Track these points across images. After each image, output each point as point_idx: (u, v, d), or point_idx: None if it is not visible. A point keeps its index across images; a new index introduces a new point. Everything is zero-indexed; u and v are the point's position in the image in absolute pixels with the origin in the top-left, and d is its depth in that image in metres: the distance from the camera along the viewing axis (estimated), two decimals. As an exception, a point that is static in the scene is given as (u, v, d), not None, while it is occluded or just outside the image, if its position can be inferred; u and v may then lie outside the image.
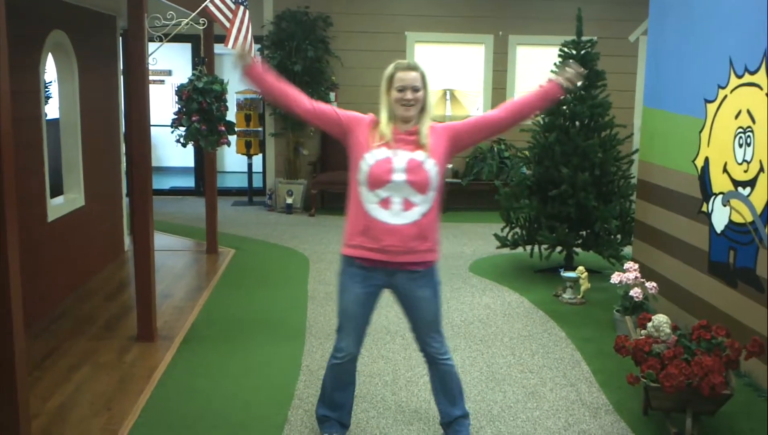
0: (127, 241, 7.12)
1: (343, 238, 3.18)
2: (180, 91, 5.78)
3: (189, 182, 10.94)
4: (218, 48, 7.05)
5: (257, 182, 10.42)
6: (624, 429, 3.65)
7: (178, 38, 5.92)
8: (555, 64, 6.45)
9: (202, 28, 6.14)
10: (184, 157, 10.85)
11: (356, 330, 3.26)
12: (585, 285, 5.70)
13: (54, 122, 5.82)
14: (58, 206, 5.50)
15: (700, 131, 4.74)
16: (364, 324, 3.27)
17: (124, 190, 7.20)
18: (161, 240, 7.31)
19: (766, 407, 3.85)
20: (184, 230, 8.14)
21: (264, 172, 10.26)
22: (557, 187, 6.23)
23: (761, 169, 4.05)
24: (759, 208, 4.07)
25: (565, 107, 6.37)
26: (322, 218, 9.03)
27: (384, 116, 3.10)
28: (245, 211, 9.53)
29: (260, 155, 10.23)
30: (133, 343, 4.66)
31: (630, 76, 9.66)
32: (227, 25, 5.81)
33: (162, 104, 11.55)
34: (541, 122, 6.53)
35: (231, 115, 6.53)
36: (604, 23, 9.41)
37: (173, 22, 5.38)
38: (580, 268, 5.76)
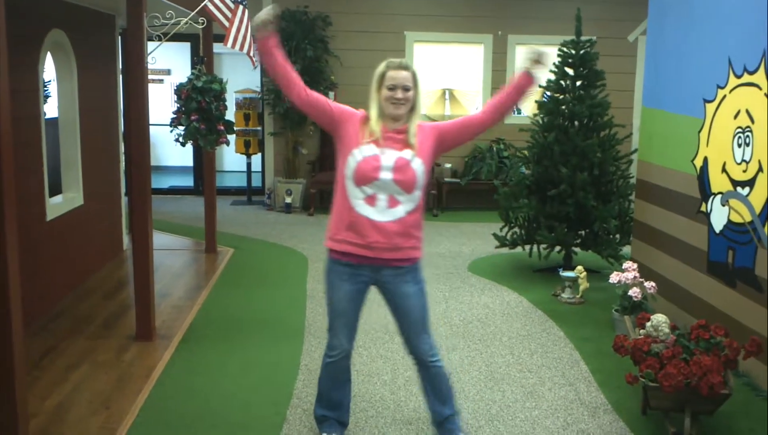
0: (126, 240, 7.12)
1: (328, 231, 3.19)
2: (179, 90, 5.77)
3: (188, 181, 10.94)
4: (217, 47, 7.05)
5: (256, 181, 10.42)
6: (623, 428, 3.66)
7: (177, 37, 5.92)
8: (554, 63, 6.47)
9: (201, 27, 6.14)
10: (183, 156, 10.85)
11: (347, 326, 3.26)
12: (584, 284, 5.70)
13: (53, 121, 5.82)
14: (56, 205, 5.49)
15: (699, 131, 4.74)
16: (355, 320, 3.28)
17: (123, 189, 7.20)
18: (160, 239, 7.31)
19: (765, 407, 3.85)
20: (182, 229, 8.14)
21: (263, 172, 10.26)
22: (556, 186, 6.23)
23: (760, 169, 4.05)
24: (758, 208, 4.07)
25: (564, 107, 6.37)
26: (321, 218, 9.02)
27: (373, 114, 3.11)
28: (244, 211, 9.53)
29: (259, 154, 10.23)
30: (131, 342, 4.66)
31: (629, 76, 9.67)
32: (226, 24, 5.80)
33: (161, 103, 11.55)
34: (540, 122, 6.53)
35: (230, 115, 6.53)
36: (603, 23, 9.41)
37: (172, 21, 5.37)
38: (579, 267, 5.76)
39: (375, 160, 3.04)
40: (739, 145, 4.27)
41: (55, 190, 5.70)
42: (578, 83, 6.43)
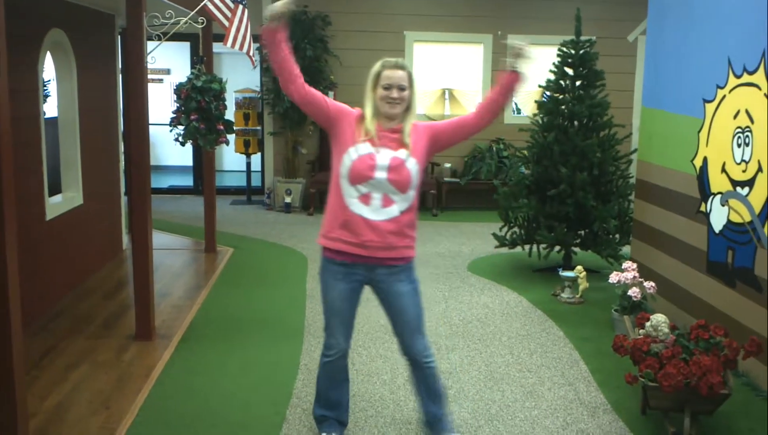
0: (126, 239, 7.12)
1: (322, 228, 3.19)
2: (179, 89, 5.77)
3: (187, 181, 10.94)
4: (217, 47, 7.05)
5: (256, 181, 10.41)
6: (622, 428, 3.66)
7: (177, 37, 5.91)
8: (554, 63, 6.48)
9: (200, 26, 6.13)
10: (183, 155, 10.86)
11: (344, 325, 3.26)
12: (583, 284, 5.70)
13: (52, 121, 5.82)
14: (56, 205, 5.49)
15: (699, 131, 4.74)
16: (351, 319, 3.28)
17: (123, 189, 7.20)
18: (160, 239, 7.31)
19: (765, 407, 3.85)
20: (182, 229, 8.14)
21: (262, 171, 10.26)
22: (556, 186, 6.23)
23: (760, 169, 4.05)
24: (757, 208, 4.07)
25: (563, 107, 6.37)
26: (321, 217, 8.98)
27: (368, 112, 3.11)
28: (244, 210, 9.53)
29: (259, 154, 10.23)
30: (131, 342, 4.66)
31: (629, 75, 9.67)
32: (226, 24, 5.80)
33: (160, 103, 11.56)
34: (540, 122, 6.53)
35: (230, 114, 6.53)
36: (602, 23, 9.42)
37: (172, 20, 5.37)
38: (579, 267, 5.76)
39: (370, 159, 3.04)
40: (739, 145, 4.27)
41: (55, 189, 5.70)
42: (578, 83, 6.43)
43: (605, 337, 4.83)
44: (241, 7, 5.87)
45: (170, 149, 9.57)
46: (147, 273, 4.65)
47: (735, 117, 4.32)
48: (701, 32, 4.76)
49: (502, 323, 5.22)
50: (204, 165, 7.19)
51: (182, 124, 5.76)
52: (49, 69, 5.90)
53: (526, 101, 10.05)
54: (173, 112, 5.84)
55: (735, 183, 4.31)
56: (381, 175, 3.03)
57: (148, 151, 4.74)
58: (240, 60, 9.90)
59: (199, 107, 5.67)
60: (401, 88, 3.08)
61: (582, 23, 6.43)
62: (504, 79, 3.18)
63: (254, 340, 4.77)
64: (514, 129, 9.22)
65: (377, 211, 3.06)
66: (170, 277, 6.23)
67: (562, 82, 6.45)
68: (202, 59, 6.25)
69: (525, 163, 6.73)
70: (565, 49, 6.43)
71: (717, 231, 4.50)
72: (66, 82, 5.81)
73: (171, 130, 5.85)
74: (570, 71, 6.44)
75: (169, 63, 12.41)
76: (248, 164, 10.20)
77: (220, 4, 5.75)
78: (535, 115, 6.68)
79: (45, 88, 6.41)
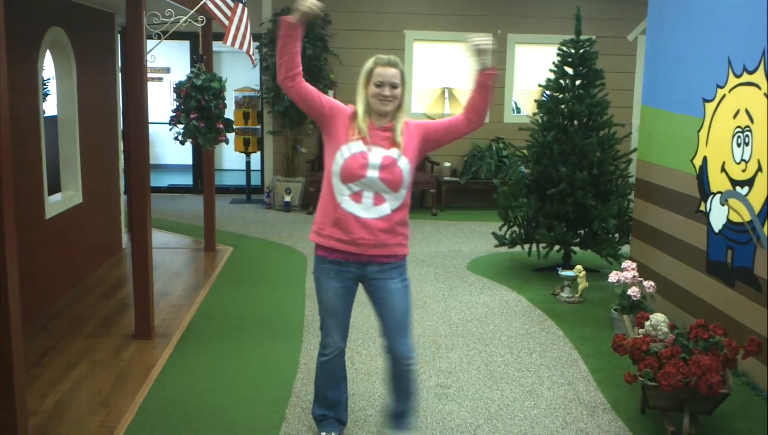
0: (125, 238, 7.12)
1: (314, 225, 3.19)
2: (178, 88, 5.77)
3: (187, 180, 10.93)
4: (217, 45, 7.05)
5: (255, 180, 10.41)
6: (621, 428, 3.66)
7: (177, 35, 5.90)
8: (553, 63, 6.47)
9: (200, 25, 6.13)
10: (182, 154, 10.85)
11: (339, 324, 3.27)
12: (583, 284, 5.70)
13: (52, 119, 5.81)
14: (55, 203, 5.49)
15: (699, 130, 4.74)
16: (346, 317, 3.28)
17: (122, 188, 7.20)
18: (159, 238, 7.31)
19: (764, 406, 3.86)
20: (181, 228, 8.14)
21: (262, 170, 10.26)
22: (555, 185, 6.24)
23: (759, 169, 4.05)
24: (757, 207, 4.07)
25: (563, 106, 6.37)
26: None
27: (360, 110, 3.11)
28: (243, 209, 9.53)
29: (258, 153, 10.23)
30: (130, 341, 4.66)
31: (628, 75, 9.67)
32: (226, 22, 5.80)
33: (160, 102, 11.55)
34: (540, 121, 6.53)
35: (229, 113, 6.53)
36: (602, 22, 9.42)
37: (172, 19, 5.36)
38: (578, 266, 5.76)
39: (362, 158, 3.04)
40: (739, 145, 4.27)
41: (54, 188, 5.70)
42: (578, 82, 6.43)
43: (605, 337, 4.83)
44: (241, 5, 5.87)
45: (170, 148, 9.58)
46: (146, 272, 4.65)
47: (735, 116, 4.32)
48: (701, 32, 4.76)
49: (501, 322, 5.22)
50: (203, 164, 7.19)
51: (182, 123, 5.75)
52: (48, 67, 5.90)
53: (525, 100, 10.05)
54: (173, 111, 5.83)
55: (735, 182, 4.31)
56: (373, 173, 3.04)
57: (148, 149, 4.73)
58: (240, 59, 9.91)
59: (199, 106, 5.66)
60: (393, 86, 3.08)
61: (582, 22, 6.43)
62: (477, 78, 3.15)
63: (254, 339, 4.77)
64: (514, 128, 9.22)
65: (369, 209, 3.06)
66: (170, 276, 6.23)
67: (561, 81, 6.45)
68: (201, 58, 6.25)
69: (525, 162, 6.72)
70: (564, 48, 6.43)
71: (716, 230, 4.50)
72: (65, 80, 5.81)
73: (171, 129, 5.85)
74: (570, 70, 6.44)
75: (168, 61, 12.40)
76: (248, 163, 10.19)
77: (220, 3, 5.74)
78: (534, 114, 6.68)
79: (44, 86, 6.41)
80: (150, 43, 5.00)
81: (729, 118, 4.38)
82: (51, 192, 5.48)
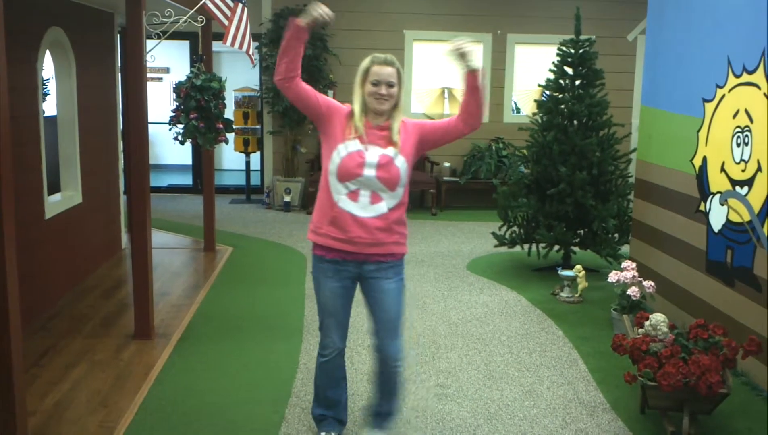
0: (125, 238, 7.11)
1: (311, 224, 3.20)
2: (178, 88, 5.77)
3: (187, 180, 10.94)
4: (216, 45, 7.05)
5: (255, 180, 10.41)
6: (621, 427, 3.66)
7: (177, 35, 5.90)
8: (553, 63, 6.48)
9: (200, 25, 6.13)
10: (182, 154, 10.85)
11: (339, 324, 3.27)
12: (582, 284, 5.70)
13: (51, 119, 5.81)
14: (55, 203, 5.49)
15: (698, 130, 4.74)
16: (345, 317, 3.28)
17: (122, 188, 7.19)
18: (159, 238, 7.31)
19: (764, 406, 3.86)
20: (181, 228, 8.14)
21: (262, 170, 10.26)
22: (555, 185, 6.24)
23: (759, 169, 4.05)
24: (756, 207, 4.07)
25: (563, 106, 6.37)
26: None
27: (357, 109, 3.11)
28: (243, 209, 9.53)
29: (258, 153, 10.23)
30: (130, 341, 4.66)
31: (628, 75, 9.68)
32: (225, 22, 5.79)
33: (160, 102, 11.55)
34: (540, 121, 6.53)
35: (229, 113, 6.52)
36: (602, 22, 9.42)
37: (171, 19, 5.36)
38: (578, 266, 5.76)
39: (359, 157, 3.04)
40: (738, 145, 4.27)
41: (54, 188, 5.70)
42: (577, 82, 6.43)
43: (604, 337, 4.83)
44: (240, 5, 5.87)
45: (169, 148, 9.58)
46: (146, 272, 4.65)
47: (734, 116, 4.32)
48: (701, 32, 4.76)
49: (501, 322, 5.22)
50: (203, 164, 7.19)
51: (181, 123, 5.75)
52: (48, 67, 5.89)
53: (525, 100, 10.05)
54: (172, 111, 5.83)
55: (734, 182, 4.31)
56: (370, 172, 3.04)
57: (148, 149, 4.73)
58: (239, 59, 9.91)
59: (199, 106, 5.66)
60: (390, 85, 3.07)
61: (581, 22, 6.43)
62: (466, 81, 3.11)
63: (253, 339, 4.77)
64: (514, 128, 9.21)
65: (365, 208, 3.06)
66: (169, 276, 6.23)
67: (561, 81, 6.45)
68: (201, 58, 6.24)
69: (524, 162, 6.72)
70: (564, 48, 6.43)
71: (716, 230, 4.50)
72: (65, 80, 5.81)
73: (170, 129, 5.85)
74: (569, 70, 6.44)
75: (168, 61, 12.40)
76: (247, 163, 10.20)
77: (220, 3, 5.74)
78: (534, 114, 6.68)
79: (44, 86, 6.41)
80: (150, 43, 5.00)
81: (729, 118, 4.38)
82: (50, 192, 5.48)
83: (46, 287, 5.22)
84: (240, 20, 5.86)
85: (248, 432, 3.53)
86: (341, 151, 3.06)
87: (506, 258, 7.04)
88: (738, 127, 4.28)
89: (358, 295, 3.29)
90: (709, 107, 4.62)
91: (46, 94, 6.94)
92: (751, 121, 4.15)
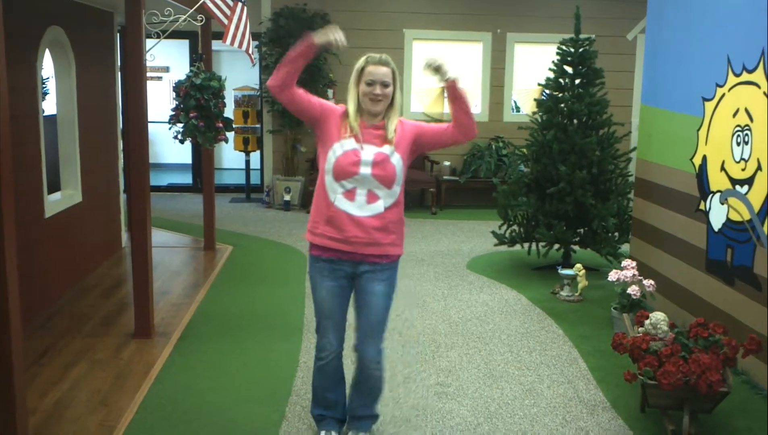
0: (125, 237, 7.11)
1: (308, 224, 3.20)
2: (178, 87, 5.77)
3: (186, 179, 10.93)
4: (216, 44, 7.04)
5: (255, 179, 10.41)
6: (621, 426, 3.66)
7: (176, 35, 5.90)
8: (553, 62, 6.47)
9: (199, 24, 6.12)
10: (182, 153, 10.83)
11: (335, 325, 3.26)
12: (582, 282, 5.70)
13: (51, 118, 5.81)
14: (55, 202, 5.49)
15: (698, 129, 4.74)
16: (342, 318, 3.27)
17: (122, 187, 7.19)
18: (159, 237, 7.30)
19: (764, 405, 3.86)
20: (181, 227, 8.14)
21: (262, 169, 10.26)
22: (555, 184, 6.23)
23: (759, 168, 4.05)
24: (756, 206, 4.07)
25: (563, 105, 6.37)
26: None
27: (351, 109, 3.11)
28: (243, 208, 9.52)
29: (258, 152, 10.22)
30: (130, 340, 4.66)
31: (628, 74, 9.67)
32: (225, 21, 5.79)
33: (160, 101, 11.54)
34: (539, 120, 6.53)
35: (229, 112, 6.53)
36: (602, 21, 9.42)
37: (171, 18, 5.36)
38: (578, 265, 5.76)
39: (355, 155, 3.05)
40: (738, 144, 4.27)
41: (54, 187, 5.70)
42: (577, 81, 6.43)
43: (604, 335, 4.83)
44: (240, 4, 5.87)
45: (169, 147, 9.55)
46: (146, 271, 4.65)
47: (734, 115, 4.32)
48: (701, 30, 4.76)
49: (501, 321, 5.22)
50: (203, 163, 7.18)
51: (181, 122, 5.75)
52: (47, 66, 5.89)
53: (525, 99, 10.05)
54: (172, 110, 5.83)
55: (734, 181, 4.31)
56: (365, 170, 3.04)
57: (147, 148, 4.73)
58: (239, 58, 9.89)
59: (198, 105, 5.66)
60: (384, 85, 3.07)
61: (581, 21, 6.43)
62: (447, 93, 3.12)
63: (253, 337, 4.77)
64: (514, 127, 9.22)
65: (362, 207, 3.06)
66: (169, 274, 6.23)
67: (561, 80, 6.45)
68: (201, 57, 6.24)
69: (524, 161, 6.73)
70: (564, 47, 6.43)
71: (716, 229, 4.50)
72: (65, 79, 5.81)
73: (170, 128, 5.85)
74: (569, 69, 6.44)
75: (168, 61, 12.39)
76: (247, 162, 10.19)
77: (220, 2, 5.74)
78: (534, 113, 6.68)
79: (44, 85, 6.40)
80: (149, 42, 5.00)
81: (728, 117, 4.38)
82: (50, 191, 5.48)
83: (46, 286, 5.22)
84: (240, 19, 5.86)
85: (248, 430, 3.53)
86: (337, 150, 3.06)
87: (506, 257, 7.04)
88: (738, 126, 4.28)
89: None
90: (709, 106, 4.61)
91: (45, 94, 6.93)
92: (751, 120, 4.15)
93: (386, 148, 3.08)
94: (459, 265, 6.76)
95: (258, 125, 10.05)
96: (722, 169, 4.44)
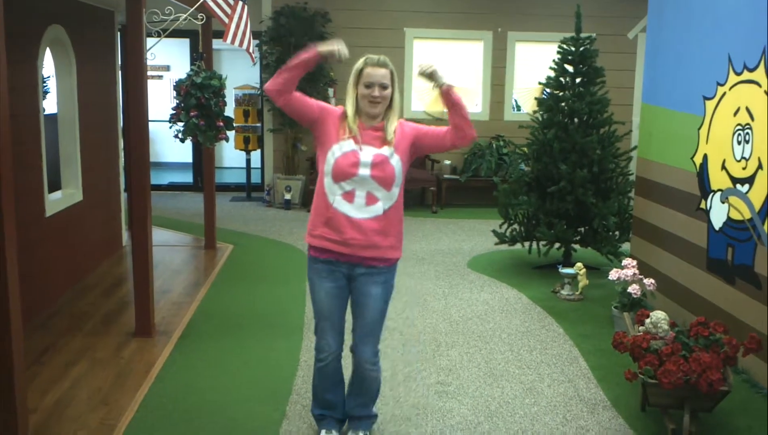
0: (125, 236, 7.12)
1: (307, 225, 3.20)
2: (178, 86, 5.77)
3: (187, 178, 10.93)
4: (217, 43, 7.04)
5: (255, 178, 10.41)
6: (621, 425, 3.66)
7: (177, 33, 5.91)
8: (554, 60, 6.47)
9: (200, 23, 6.12)
10: (183, 152, 10.83)
11: (333, 327, 3.26)
12: (583, 281, 5.70)
13: (52, 117, 5.81)
14: (55, 201, 5.49)
15: (699, 128, 4.73)
16: (341, 319, 3.28)
17: (122, 185, 7.19)
18: (159, 235, 7.31)
19: (764, 404, 3.86)
20: (182, 226, 8.14)
21: (262, 168, 10.26)
22: (556, 183, 6.23)
23: (760, 167, 4.05)
24: (757, 205, 4.07)
25: (563, 104, 6.37)
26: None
27: (350, 110, 3.10)
28: (243, 207, 9.52)
29: (258, 151, 10.22)
30: (130, 339, 4.66)
31: (629, 72, 9.66)
32: (226, 20, 5.79)
33: (160, 99, 11.54)
34: (540, 119, 6.53)
35: (229, 111, 6.53)
36: (603, 20, 9.41)
37: (171, 17, 5.37)
38: (579, 264, 5.76)
39: (353, 156, 3.04)
40: (739, 143, 4.27)
41: (55, 186, 5.70)
42: (578, 80, 6.42)
43: (605, 334, 4.83)
44: (240, 3, 5.87)
45: (170, 146, 9.56)
46: (147, 270, 4.65)
47: (735, 114, 4.32)
48: (701, 29, 4.76)
49: (501, 320, 5.22)
50: (204, 162, 7.19)
51: (182, 121, 5.75)
52: (48, 65, 5.89)
53: (526, 98, 10.05)
54: (173, 109, 5.83)
55: (735, 180, 4.31)
56: (364, 171, 3.03)
57: (148, 147, 4.73)
58: (240, 56, 9.88)
59: (199, 104, 5.66)
60: (383, 87, 3.07)
61: (582, 20, 6.43)
62: (443, 99, 3.14)
63: (254, 336, 4.77)
64: (514, 126, 9.22)
65: (361, 209, 3.06)
66: (170, 273, 6.23)
67: (562, 79, 6.44)
68: (201, 56, 6.24)
69: (525, 160, 6.73)
70: (565, 46, 6.42)
71: (717, 228, 4.50)
72: (65, 78, 5.81)
73: (171, 127, 5.85)
74: (570, 68, 6.44)
75: (168, 59, 12.38)
76: (248, 161, 10.19)
77: (220, 1, 5.74)
78: (535, 112, 6.68)
79: (44, 84, 6.41)
80: (150, 41, 5.00)
81: (729, 116, 4.38)
82: (51, 190, 5.48)
83: (47, 285, 5.22)
84: (240, 18, 5.86)
85: (249, 429, 3.54)
86: (335, 152, 3.06)
87: (507, 256, 7.04)
88: (739, 124, 4.28)
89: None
90: (710, 105, 4.61)
91: (46, 92, 6.93)
92: (752, 118, 4.14)
93: (385, 150, 3.08)
94: (460, 264, 6.76)
95: (258, 124, 10.05)
96: (723, 167, 4.43)
